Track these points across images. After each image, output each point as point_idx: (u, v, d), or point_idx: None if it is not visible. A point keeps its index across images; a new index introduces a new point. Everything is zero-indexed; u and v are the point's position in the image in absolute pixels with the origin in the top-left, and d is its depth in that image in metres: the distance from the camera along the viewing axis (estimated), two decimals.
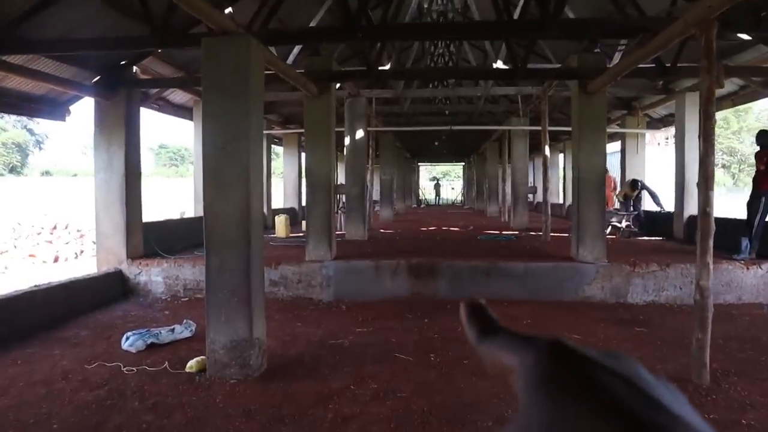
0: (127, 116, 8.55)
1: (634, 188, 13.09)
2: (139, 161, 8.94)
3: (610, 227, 13.43)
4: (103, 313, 7.54)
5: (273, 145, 19.89)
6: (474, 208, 30.84)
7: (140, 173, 8.96)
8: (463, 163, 41.84)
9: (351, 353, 5.73)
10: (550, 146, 13.91)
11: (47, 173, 76.30)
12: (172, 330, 6.14)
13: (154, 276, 8.58)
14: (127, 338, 5.86)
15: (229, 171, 4.81)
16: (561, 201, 24.07)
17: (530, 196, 20.48)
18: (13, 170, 77.46)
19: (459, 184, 53.05)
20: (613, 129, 15.33)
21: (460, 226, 16.79)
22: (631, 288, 8.20)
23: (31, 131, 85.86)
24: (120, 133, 8.48)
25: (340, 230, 13.13)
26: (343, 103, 12.28)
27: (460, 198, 44.20)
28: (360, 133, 11.93)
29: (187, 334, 6.18)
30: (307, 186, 8.48)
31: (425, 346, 5.97)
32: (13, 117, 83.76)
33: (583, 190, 8.33)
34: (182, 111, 12.59)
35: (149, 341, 5.84)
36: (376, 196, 23.87)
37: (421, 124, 18.51)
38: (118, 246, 8.61)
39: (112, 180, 8.52)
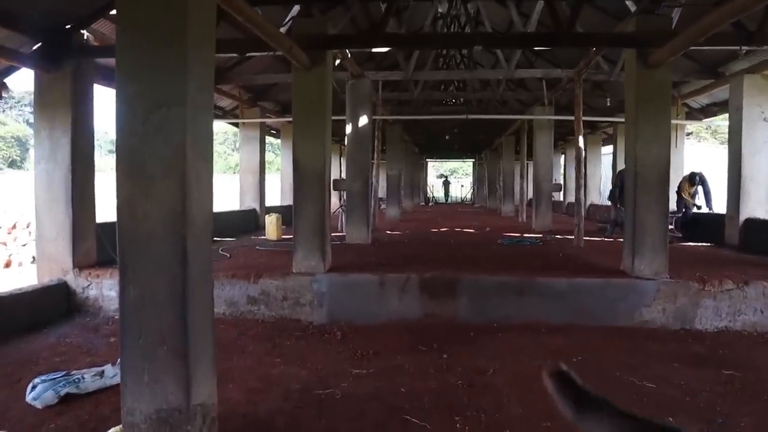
0: (75, 93, 6.92)
1: (692, 183, 11.20)
2: (91, 149, 7.32)
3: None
4: (33, 339, 5.92)
5: (269, 137, 18.30)
6: (486, 207, 29.15)
7: (93, 164, 7.34)
8: (474, 160, 40.14)
9: (343, 413, 4.08)
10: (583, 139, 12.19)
11: None
12: (101, 373, 4.51)
13: (107, 290, 6.95)
14: (34, 387, 4.24)
15: (153, 154, 3.16)
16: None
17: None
18: (12, 164, 76.37)
19: (467, 182, 51.36)
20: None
21: (475, 226, 15.11)
22: (699, 311, 6.52)
23: (32, 125, 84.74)
24: (65, 113, 6.86)
25: (340, 231, 11.46)
26: (344, 86, 10.62)
27: (469, 196, 42.49)
28: (363, 120, 10.27)
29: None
30: (295, 181, 6.83)
31: (447, 400, 4.31)
32: (15, 111, 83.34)
33: (640, 188, 6.65)
34: None
35: (64, 391, 4.21)
36: (382, 193, 22.25)
37: (433, 114, 16.79)
38: (63, 252, 6.99)
39: (55, 172, 6.90)
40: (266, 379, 4.76)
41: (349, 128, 10.29)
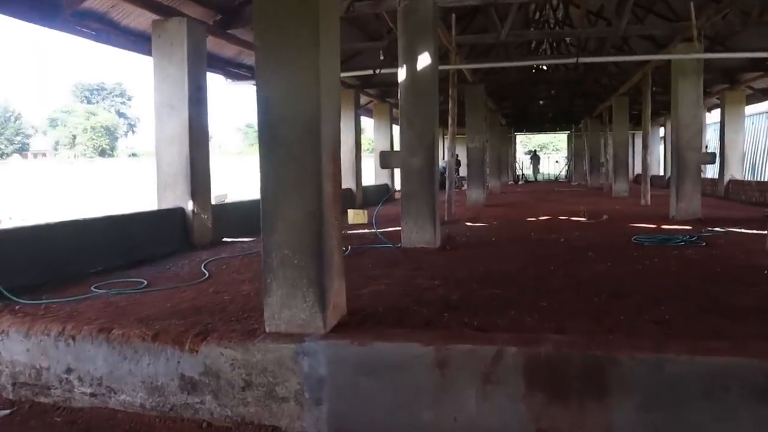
0: None
1: None
2: None
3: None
4: None
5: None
6: (587, 186, 24.72)
7: None
8: (569, 132, 35.41)
9: None
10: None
11: (134, 155, 76.08)
12: None
13: None
14: None
15: None
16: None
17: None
18: (102, 153, 78.17)
19: (558, 157, 46.31)
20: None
21: (585, 213, 11.20)
22: None
23: (123, 115, 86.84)
24: None
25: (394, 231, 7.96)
26: (395, 12, 7.08)
27: (564, 173, 37.77)
28: (425, 61, 6.72)
29: None
30: (262, 146, 3.37)
31: None
32: (107, 101, 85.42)
33: None
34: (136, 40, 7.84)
35: None
36: (464, 171, 18.58)
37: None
38: None
39: None
40: None
41: (401, 74, 6.77)
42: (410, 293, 4.47)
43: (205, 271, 5.71)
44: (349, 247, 6.98)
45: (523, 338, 3.10)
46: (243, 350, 3.37)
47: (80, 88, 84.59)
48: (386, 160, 7.13)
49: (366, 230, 8.85)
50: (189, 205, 7.52)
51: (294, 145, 3.30)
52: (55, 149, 78.70)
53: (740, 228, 8.55)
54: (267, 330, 3.46)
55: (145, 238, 6.87)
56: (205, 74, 7.79)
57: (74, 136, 78.31)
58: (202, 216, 7.68)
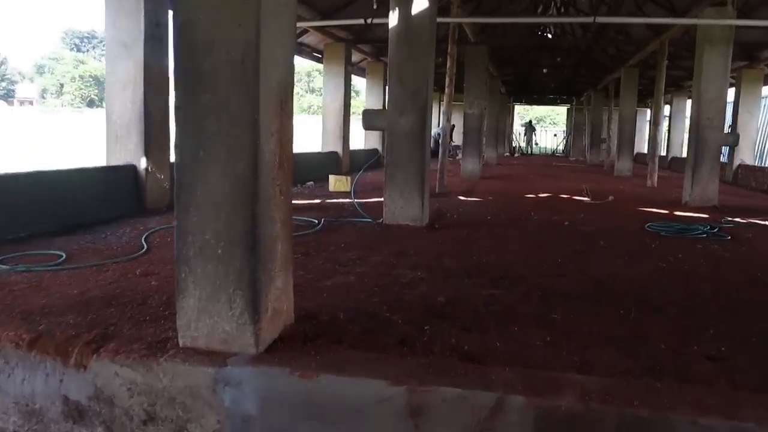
0: None
1: None
2: None
3: None
4: None
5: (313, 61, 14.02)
6: (586, 161, 23.77)
7: None
8: (569, 105, 34.25)
9: None
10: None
11: None
12: None
13: None
14: None
15: None
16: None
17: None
18: (91, 104, 75.92)
19: (555, 131, 45.12)
20: None
21: (588, 192, 10.28)
22: None
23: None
24: None
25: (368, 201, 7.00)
26: None
27: (561, 147, 36.71)
28: (422, 3, 5.66)
29: None
30: (179, 89, 2.39)
31: None
32: (97, 50, 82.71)
33: None
34: None
35: None
36: (458, 139, 17.56)
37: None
38: None
39: None
40: None
41: (393, 18, 5.72)
42: (386, 289, 3.53)
43: (145, 244, 4.74)
44: (322, 220, 6.03)
45: (534, 380, 2.17)
46: (145, 370, 2.43)
47: (70, 35, 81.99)
48: (371, 120, 6.11)
49: (347, 199, 7.88)
50: (142, 163, 6.48)
51: (220, 87, 2.31)
52: (43, 97, 76.55)
53: (762, 219, 7.65)
54: (180, 344, 2.52)
55: (87, 199, 5.86)
56: (166, 9, 6.69)
57: (62, 85, 76.13)
58: (158, 175, 6.67)
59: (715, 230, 6.48)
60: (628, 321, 3.04)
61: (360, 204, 6.84)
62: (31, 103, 74.49)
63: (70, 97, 75.04)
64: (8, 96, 75.08)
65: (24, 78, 78.93)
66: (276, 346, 2.52)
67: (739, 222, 7.30)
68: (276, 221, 2.52)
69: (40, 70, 77.27)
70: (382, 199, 6.28)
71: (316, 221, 6.02)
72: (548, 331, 2.80)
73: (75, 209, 5.67)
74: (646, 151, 25.17)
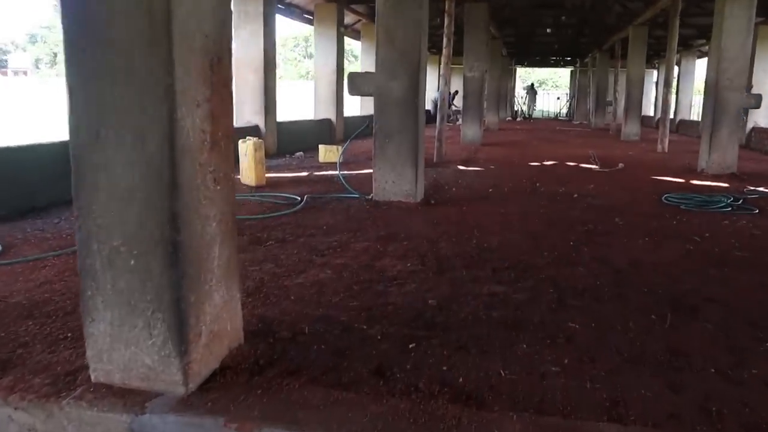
0: None
1: None
2: None
3: None
4: None
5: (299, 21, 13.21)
6: (591, 125, 22.99)
7: None
8: (573, 67, 33.21)
9: None
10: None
11: None
12: None
13: None
14: None
15: None
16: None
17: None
18: None
19: (558, 94, 43.94)
20: None
21: (596, 159, 9.63)
22: None
23: None
24: None
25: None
26: None
27: (564, 111, 35.75)
28: None
29: None
30: (69, 48, 1.77)
31: None
32: None
33: None
34: None
35: None
36: (459, 103, 16.81)
37: None
38: None
39: None
40: None
41: None
42: (366, 288, 2.95)
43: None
44: (305, 198, 5.42)
45: None
46: (45, 416, 1.87)
47: None
48: (358, 84, 5.44)
49: (337, 172, 7.25)
50: None
51: (121, 42, 1.68)
52: (37, 67, 75.21)
53: None
54: (92, 378, 1.95)
55: (43, 179, 5.25)
56: None
57: (55, 54, 74.68)
58: None
59: (740, 202, 5.88)
60: (662, 329, 2.46)
61: (348, 177, 6.23)
62: (25, 73, 73.25)
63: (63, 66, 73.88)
64: (1, 66, 73.77)
65: (17, 48, 77.41)
66: (214, 380, 1.94)
67: (763, 192, 6.69)
68: (210, 219, 1.92)
69: (32, 39, 75.67)
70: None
71: (299, 198, 5.42)
72: (565, 350, 2.22)
73: (27, 190, 5.06)
74: (652, 114, 24.51)
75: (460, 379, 1.95)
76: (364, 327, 2.41)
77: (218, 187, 1.95)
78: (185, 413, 1.76)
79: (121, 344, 1.88)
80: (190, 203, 1.80)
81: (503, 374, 2.00)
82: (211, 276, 1.95)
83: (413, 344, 2.24)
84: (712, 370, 2.07)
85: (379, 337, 2.31)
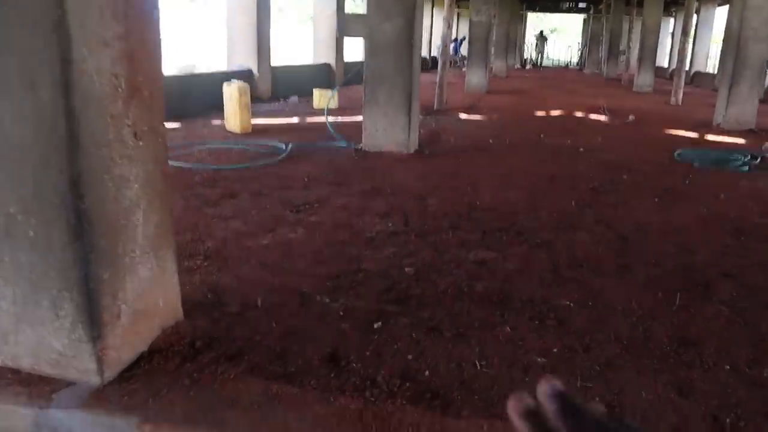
0: None
1: None
2: None
3: None
4: None
5: None
6: (602, 75, 22.22)
7: None
8: (585, 14, 32.01)
9: None
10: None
11: None
12: None
13: None
14: None
15: None
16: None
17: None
18: None
19: (569, 42, 42.57)
20: None
21: (606, 110, 9.16)
22: None
23: None
24: None
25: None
26: None
27: (575, 59, 34.69)
28: None
29: None
30: None
31: None
32: None
33: None
34: None
35: None
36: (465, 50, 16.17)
37: None
38: None
39: None
40: None
41: None
42: (339, 252, 2.64)
43: None
44: (290, 146, 5.06)
45: None
46: None
47: None
48: (348, 25, 5.00)
49: (331, 117, 6.84)
50: None
51: None
52: None
53: None
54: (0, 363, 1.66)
55: None
56: None
57: None
58: None
59: (758, 161, 5.49)
60: (669, 312, 2.15)
61: (342, 125, 5.84)
62: None
63: None
64: None
65: None
66: (138, 367, 1.64)
67: None
68: (129, 182, 1.58)
69: None
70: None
71: (284, 147, 5.06)
72: (556, 335, 1.91)
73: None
74: (666, 65, 23.65)
75: (427, 372, 1.65)
76: (327, 300, 2.11)
77: (140, 143, 1.60)
78: (94, 409, 1.47)
79: (26, 325, 1.57)
80: (99, 163, 1.47)
81: (479, 366, 1.69)
82: (134, 247, 1.63)
83: (379, 323, 1.94)
84: (727, 367, 1.76)
85: (341, 313, 2.01)
